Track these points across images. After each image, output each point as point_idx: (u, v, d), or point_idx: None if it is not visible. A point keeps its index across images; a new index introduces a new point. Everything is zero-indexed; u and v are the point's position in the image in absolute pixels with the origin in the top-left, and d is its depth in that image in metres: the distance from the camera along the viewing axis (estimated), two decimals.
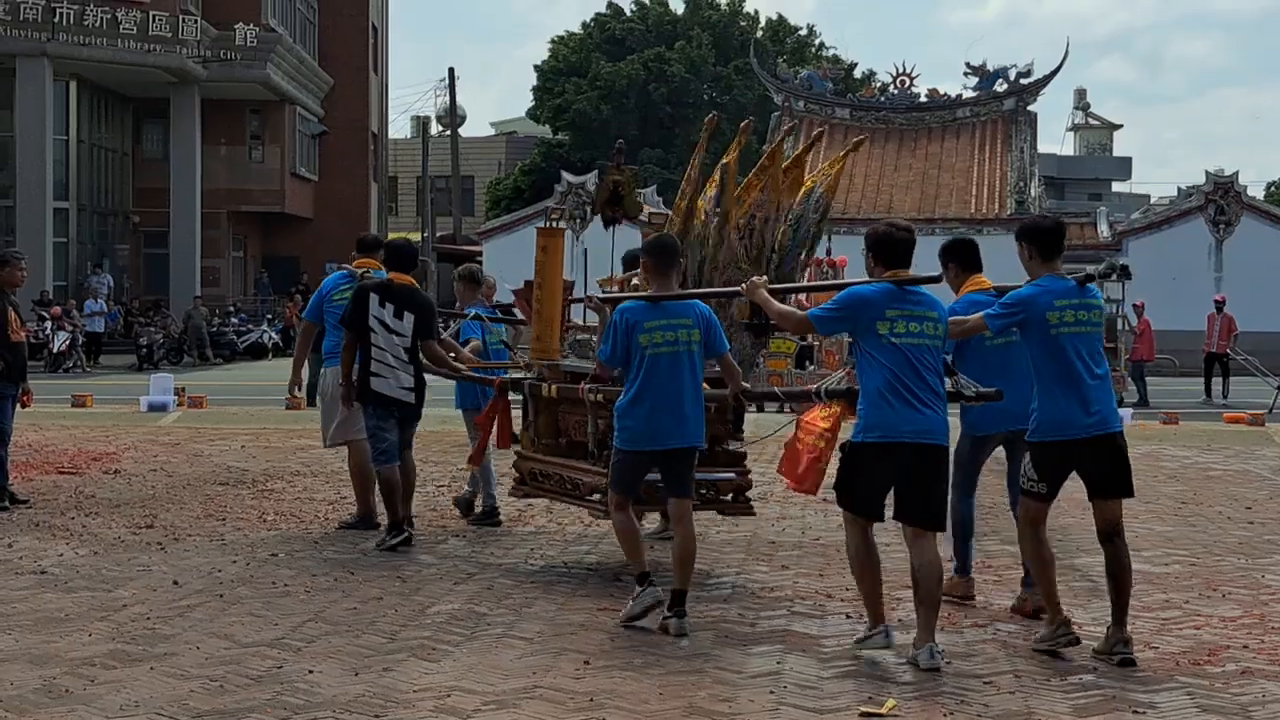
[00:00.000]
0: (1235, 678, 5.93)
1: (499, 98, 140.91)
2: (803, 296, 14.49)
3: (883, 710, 5.42)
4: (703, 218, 12.39)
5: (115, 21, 35.54)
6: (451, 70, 48.68)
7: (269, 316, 39.19)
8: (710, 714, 5.40)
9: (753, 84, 49.48)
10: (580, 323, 9.26)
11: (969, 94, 38.73)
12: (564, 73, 56.60)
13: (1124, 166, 68.32)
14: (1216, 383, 24.60)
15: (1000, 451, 7.44)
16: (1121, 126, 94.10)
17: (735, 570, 8.24)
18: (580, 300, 8.56)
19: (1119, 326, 23.85)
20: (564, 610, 7.10)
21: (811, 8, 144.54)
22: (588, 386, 7.58)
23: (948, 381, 6.43)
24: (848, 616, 6.99)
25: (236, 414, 18.60)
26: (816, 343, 19.30)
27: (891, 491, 6.25)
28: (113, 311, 35.59)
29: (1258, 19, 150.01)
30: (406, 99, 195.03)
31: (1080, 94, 70.58)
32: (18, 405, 10.56)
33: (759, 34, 57.26)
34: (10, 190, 35.40)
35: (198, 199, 38.72)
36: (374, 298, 8.81)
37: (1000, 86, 38.32)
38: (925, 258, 7.26)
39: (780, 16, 66.24)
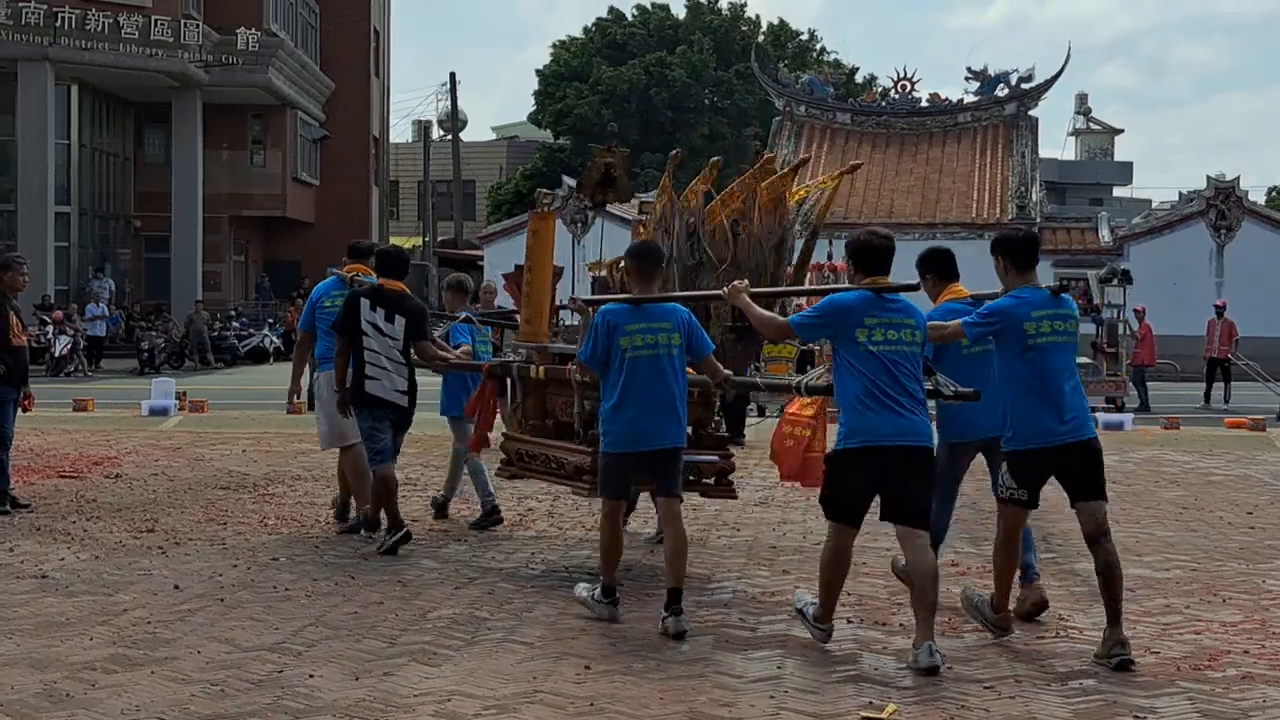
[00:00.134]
0: (1236, 683, 5.93)
1: (500, 102, 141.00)
2: (803, 300, 14.48)
3: (883, 715, 5.42)
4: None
5: (117, 26, 35.60)
6: (453, 75, 48.94)
7: (270, 321, 39.20)
8: (711, 718, 5.40)
9: (754, 89, 49.56)
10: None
11: (970, 99, 38.77)
12: (565, 77, 56.68)
13: (1125, 171, 68.35)
14: (1216, 388, 24.61)
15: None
16: (1123, 131, 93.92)
17: (736, 575, 8.24)
18: (565, 306, 8.68)
19: (1120, 331, 23.86)
20: (565, 615, 7.11)
21: (813, 12, 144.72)
22: (573, 366, 7.66)
23: (927, 381, 6.49)
24: (849, 621, 6.99)
25: (238, 418, 18.62)
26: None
27: (877, 498, 6.33)
28: (114, 316, 35.61)
29: (1260, 23, 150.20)
30: (408, 103, 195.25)
31: (1081, 99, 70.64)
32: (19, 409, 10.58)
33: (760, 38, 57.38)
34: (12, 195, 35.44)
35: (199, 203, 38.76)
36: (365, 303, 8.86)
37: (1002, 91, 38.35)
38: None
39: (781, 21, 66.47)
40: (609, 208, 15.11)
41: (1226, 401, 24.08)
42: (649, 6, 58.55)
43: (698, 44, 55.05)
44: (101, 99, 38.91)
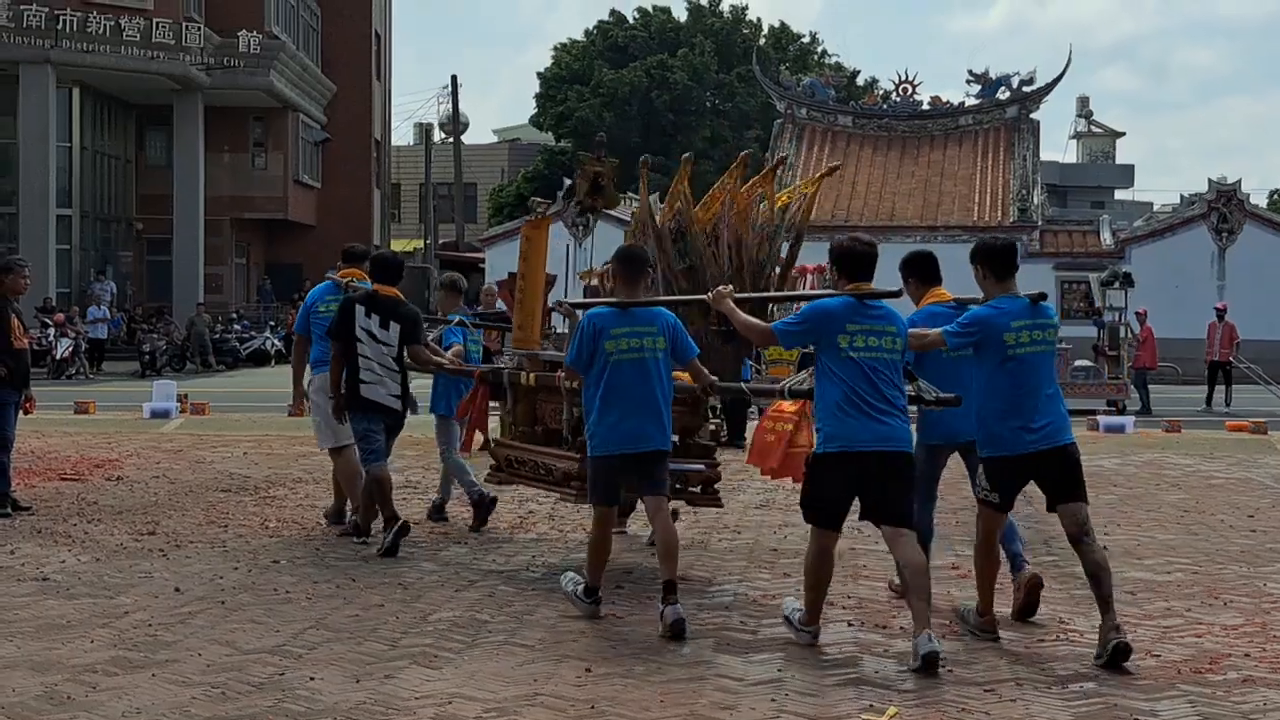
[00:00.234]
0: (1236, 686, 5.93)
1: (502, 105, 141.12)
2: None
3: (884, 718, 5.42)
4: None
5: (119, 28, 35.64)
6: (454, 77, 49.07)
7: (271, 323, 39.21)
8: None
9: (755, 91, 49.56)
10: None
11: (972, 102, 38.78)
12: (567, 80, 56.69)
13: (1127, 174, 68.44)
14: (1218, 391, 24.61)
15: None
16: (1124, 134, 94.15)
17: (737, 578, 8.24)
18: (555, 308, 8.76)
19: (1121, 334, 23.86)
20: (565, 617, 7.11)
21: (814, 15, 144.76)
22: (563, 374, 7.72)
23: (909, 386, 6.51)
24: (849, 624, 7.00)
25: (239, 421, 18.62)
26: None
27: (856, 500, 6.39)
28: (115, 318, 35.63)
29: (1262, 26, 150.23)
30: (409, 106, 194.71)
31: (1083, 101, 70.75)
32: (20, 412, 10.59)
33: (761, 41, 57.38)
34: (13, 197, 35.48)
35: (200, 206, 38.79)
36: (360, 309, 8.89)
37: (1003, 94, 38.34)
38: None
39: (783, 24, 66.50)
40: (610, 211, 15.12)
41: (1228, 404, 24.09)
42: (650, 9, 58.58)
43: (699, 47, 55.06)
44: (103, 101, 38.94)
